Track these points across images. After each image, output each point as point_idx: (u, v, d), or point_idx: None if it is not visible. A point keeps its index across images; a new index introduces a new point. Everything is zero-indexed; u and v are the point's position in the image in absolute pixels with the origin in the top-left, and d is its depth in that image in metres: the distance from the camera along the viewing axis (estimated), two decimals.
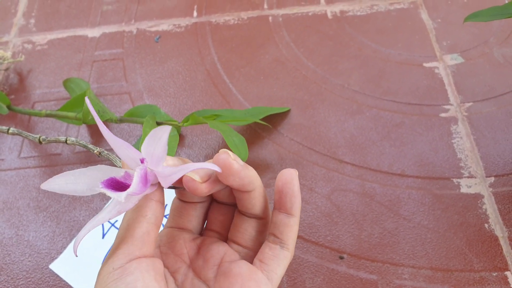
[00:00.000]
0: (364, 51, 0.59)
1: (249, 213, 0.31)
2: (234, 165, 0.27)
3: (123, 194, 0.25)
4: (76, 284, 0.44)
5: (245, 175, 0.28)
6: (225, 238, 0.32)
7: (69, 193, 0.27)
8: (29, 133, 0.44)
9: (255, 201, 0.30)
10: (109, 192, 0.26)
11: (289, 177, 0.29)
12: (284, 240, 0.30)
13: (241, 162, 0.28)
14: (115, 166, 0.33)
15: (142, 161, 0.26)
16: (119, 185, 0.27)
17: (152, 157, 0.27)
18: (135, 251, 0.27)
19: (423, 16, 0.62)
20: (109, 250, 0.46)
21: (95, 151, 0.38)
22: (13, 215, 0.49)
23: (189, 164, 0.27)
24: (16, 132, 0.45)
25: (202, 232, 0.34)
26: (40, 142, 0.43)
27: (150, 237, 0.28)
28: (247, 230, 0.31)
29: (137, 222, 0.28)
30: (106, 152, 0.37)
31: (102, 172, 0.28)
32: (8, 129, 0.45)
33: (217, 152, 0.50)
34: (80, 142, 0.40)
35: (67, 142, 0.41)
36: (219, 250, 0.31)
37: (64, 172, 0.28)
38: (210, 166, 0.26)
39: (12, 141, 0.54)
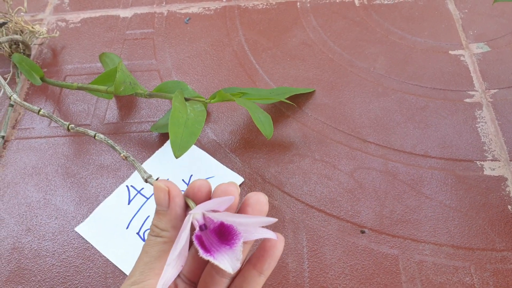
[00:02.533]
0: (390, 37, 0.59)
1: (227, 273, 0.30)
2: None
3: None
4: (100, 247, 0.45)
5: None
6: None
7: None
8: (58, 119, 0.45)
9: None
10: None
11: (279, 242, 0.29)
12: None
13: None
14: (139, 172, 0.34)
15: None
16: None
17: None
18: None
19: (449, 7, 0.62)
20: (134, 216, 0.47)
21: (122, 155, 0.38)
22: (41, 180, 0.50)
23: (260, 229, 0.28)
24: (46, 114, 0.46)
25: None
26: (68, 130, 0.44)
27: (176, 274, 0.29)
28: None
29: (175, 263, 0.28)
30: (132, 158, 0.37)
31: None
32: (39, 110, 0.46)
33: (243, 128, 0.52)
34: (108, 141, 0.41)
35: (95, 137, 0.41)
36: None
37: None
38: (269, 235, 0.28)
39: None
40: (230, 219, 0.27)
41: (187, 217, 0.27)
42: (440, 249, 0.43)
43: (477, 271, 0.41)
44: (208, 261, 0.28)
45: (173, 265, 0.27)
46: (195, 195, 0.29)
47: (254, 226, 0.28)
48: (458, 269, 0.42)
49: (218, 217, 0.27)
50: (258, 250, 0.30)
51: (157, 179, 0.34)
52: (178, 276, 0.33)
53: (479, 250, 0.43)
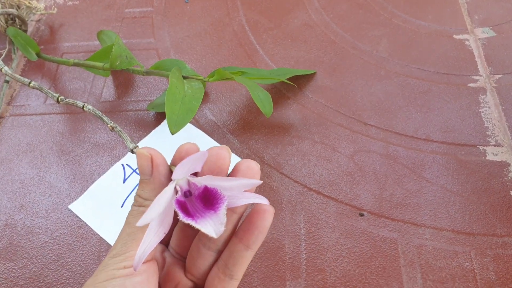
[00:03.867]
0: (394, 20, 0.58)
1: (213, 245, 0.29)
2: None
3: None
4: (94, 224, 0.45)
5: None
6: (184, 261, 0.31)
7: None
8: (48, 90, 0.44)
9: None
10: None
11: (267, 213, 0.27)
12: (235, 272, 0.28)
13: None
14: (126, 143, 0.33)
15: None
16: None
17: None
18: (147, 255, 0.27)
19: None
20: (129, 194, 0.46)
21: (109, 125, 0.37)
22: (35, 157, 0.49)
23: (248, 194, 0.27)
24: (36, 86, 0.45)
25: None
26: (58, 102, 0.43)
27: (160, 244, 0.28)
28: (203, 265, 0.30)
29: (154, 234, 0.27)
30: (119, 128, 0.36)
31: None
32: (30, 83, 0.45)
33: (242, 109, 0.51)
34: (96, 112, 0.39)
35: (84, 108, 0.40)
36: (176, 276, 0.30)
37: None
38: (261, 200, 0.26)
39: None
40: (213, 182, 0.26)
41: (170, 183, 0.26)
42: (440, 233, 0.42)
43: (477, 256, 0.41)
44: (196, 235, 0.27)
45: (154, 232, 0.25)
46: (183, 159, 0.27)
47: (239, 190, 0.26)
48: (458, 254, 0.41)
49: (201, 182, 0.26)
50: (245, 222, 0.28)
51: (136, 147, 0.32)
52: (167, 249, 0.32)
53: (480, 235, 0.42)
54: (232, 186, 0.26)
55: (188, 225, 0.25)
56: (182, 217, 0.24)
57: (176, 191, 0.26)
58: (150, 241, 0.25)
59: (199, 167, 0.27)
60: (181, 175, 0.26)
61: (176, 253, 0.31)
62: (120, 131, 0.35)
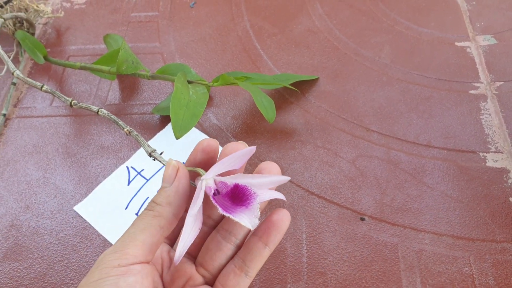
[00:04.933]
0: (397, 27, 0.59)
1: (233, 238, 0.31)
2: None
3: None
4: (98, 226, 0.45)
5: None
6: (194, 258, 0.32)
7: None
8: (61, 95, 0.45)
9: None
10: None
11: (285, 216, 0.30)
12: (251, 268, 0.30)
13: None
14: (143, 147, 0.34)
15: None
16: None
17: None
18: (142, 256, 0.28)
19: None
20: (133, 197, 0.47)
21: (125, 129, 0.38)
22: (41, 159, 0.50)
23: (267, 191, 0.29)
24: (49, 90, 0.46)
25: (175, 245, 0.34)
26: (71, 106, 0.44)
27: (157, 247, 0.29)
28: (219, 258, 0.31)
29: (153, 231, 0.28)
30: (135, 133, 0.37)
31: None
32: (42, 86, 0.46)
33: (245, 114, 0.51)
34: (112, 116, 0.40)
35: (99, 113, 0.41)
36: (186, 272, 0.31)
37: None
38: (278, 196, 0.28)
39: None
40: (244, 180, 0.28)
41: (199, 183, 0.28)
42: (440, 238, 0.43)
43: (476, 262, 0.41)
44: (209, 231, 0.28)
45: (190, 228, 0.27)
46: (204, 151, 0.29)
47: (267, 187, 0.28)
48: (458, 259, 0.41)
49: (232, 180, 0.28)
50: (265, 222, 0.30)
51: (161, 153, 0.34)
52: (172, 249, 0.33)
53: (479, 240, 0.43)
54: (262, 183, 0.28)
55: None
56: (221, 210, 0.26)
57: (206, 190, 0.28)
58: (188, 236, 0.27)
59: (239, 165, 0.28)
60: (215, 173, 0.28)
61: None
62: (137, 135, 0.36)
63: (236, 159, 0.28)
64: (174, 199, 0.28)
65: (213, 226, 0.32)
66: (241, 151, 0.27)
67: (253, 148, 0.28)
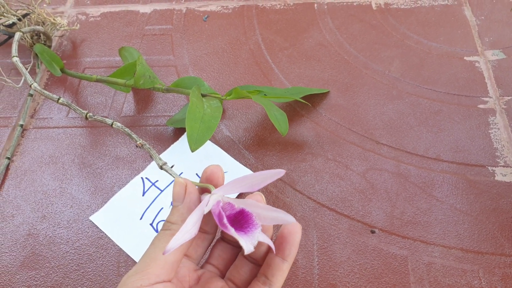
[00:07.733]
0: (406, 41, 0.60)
1: (251, 259, 0.32)
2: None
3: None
4: (114, 236, 0.46)
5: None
6: (223, 274, 0.34)
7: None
8: (77, 107, 0.46)
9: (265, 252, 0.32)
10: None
11: (296, 229, 0.31)
12: (273, 283, 0.31)
13: None
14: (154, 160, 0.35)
15: None
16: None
17: None
18: (164, 275, 0.29)
19: (466, 13, 0.62)
20: (148, 207, 0.48)
21: (138, 142, 0.39)
22: (58, 169, 0.51)
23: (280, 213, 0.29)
24: (65, 103, 0.47)
25: (202, 264, 0.35)
26: (86, 118, 0.45)
27: (178, 265, 0.30)
28: (246, 273, 0.32)
29: (175, 249, 0.29)
30: (148, 145, 0.38)
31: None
32: (58, 99, 0.47)
33: (257, 126, 0.52)
34: (125, 129, 0.41)
35: (113, 126, 0.42)
36: (217, 285, 0.32)
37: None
38: (291, 219, 0.29)
39: None
40: (253, 209, 0.28)
41: (207, 197, 0.28)
42: (449, 251, 0.43)
43: (485, 275, 0.42)
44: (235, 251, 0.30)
45: (186, 229, 0.27)
46: (208, 179, 0.30)
47: (271, 222, 0.29)
48: (467, 272, 0.42)
49: (240, 204, 0.28)
50: (278, 238, 0.31)
51: (172, 166, 0.35)
52: (198, 267, 0.34)
53: (488, 254, 0.43)
54: (270, 217, 0.29)
55: (228, 242, 0.30)
56: (225, 221, 0.27)
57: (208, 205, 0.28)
58: (184, 235, 0.27)
59: (257, 187, 0.29)
60: (225, 192, 0.29)
61: (214, 268, 0.33)
62: (149, 148, 0.37)
63: (257, 181, 0.28)
64: (188, 216, 0.29)
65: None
66: (271, 171, 0.28)
67: (281, 171, 0.28)
